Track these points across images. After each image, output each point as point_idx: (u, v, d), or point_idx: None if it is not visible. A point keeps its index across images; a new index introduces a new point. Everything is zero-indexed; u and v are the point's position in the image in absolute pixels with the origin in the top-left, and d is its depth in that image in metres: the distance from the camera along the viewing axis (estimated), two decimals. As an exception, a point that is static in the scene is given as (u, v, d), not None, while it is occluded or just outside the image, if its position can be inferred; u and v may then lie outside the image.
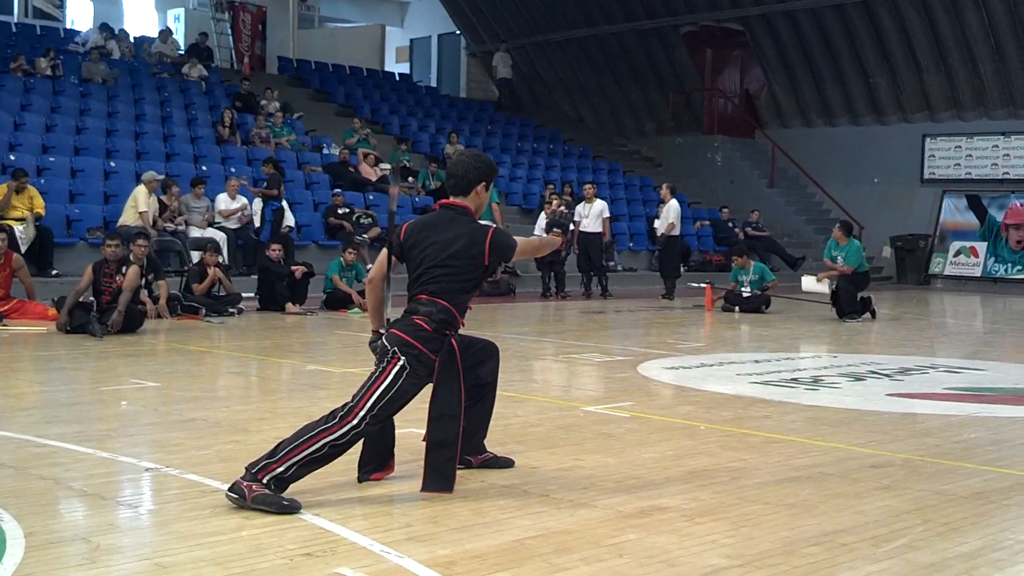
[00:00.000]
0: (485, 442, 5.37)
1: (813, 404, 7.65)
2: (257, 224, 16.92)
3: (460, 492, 4.88)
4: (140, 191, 15.38)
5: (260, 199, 17.13)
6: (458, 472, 4.93)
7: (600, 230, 18.24)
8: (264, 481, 4.49)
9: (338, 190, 19.23)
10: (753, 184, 27.40)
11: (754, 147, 28.81)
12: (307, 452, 4.57)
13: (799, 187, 28.00)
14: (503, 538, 4.20)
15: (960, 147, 25.32)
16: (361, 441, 4.79)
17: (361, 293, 14.05)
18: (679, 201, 19.06)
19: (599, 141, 30.01)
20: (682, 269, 20.05)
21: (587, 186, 19.07)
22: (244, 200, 16.82)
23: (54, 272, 14.48)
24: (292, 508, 4.44)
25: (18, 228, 14.15)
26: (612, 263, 21.16)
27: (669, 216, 18.32)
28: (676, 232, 18.43)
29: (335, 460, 4.71)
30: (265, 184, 17.40)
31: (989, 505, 4.91)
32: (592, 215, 18.20)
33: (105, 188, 17.08)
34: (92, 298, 11.51)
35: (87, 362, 9.49)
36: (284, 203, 17.22)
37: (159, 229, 15.52)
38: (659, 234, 18.76)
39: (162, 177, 16.23)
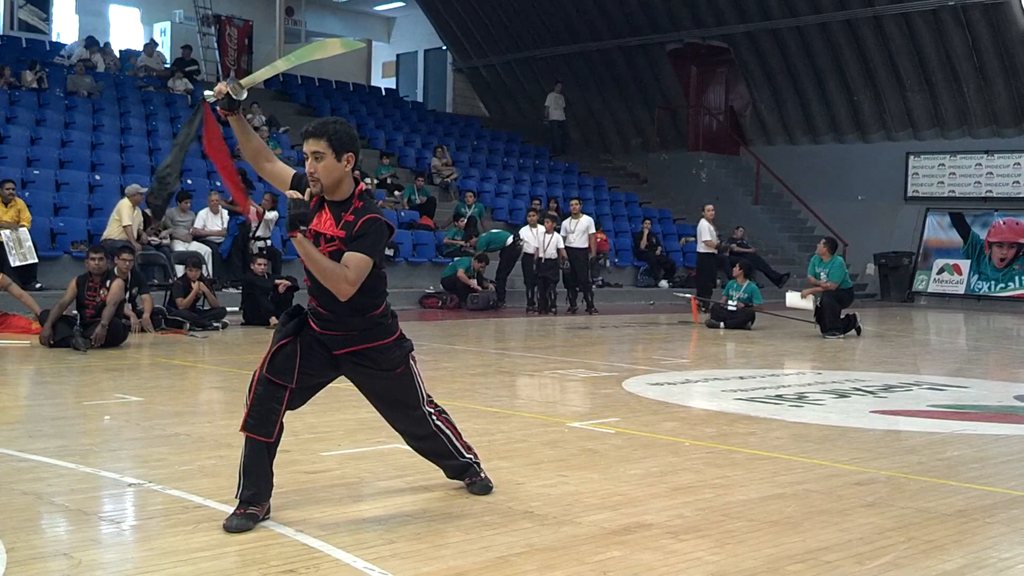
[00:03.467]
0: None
1: (797, 421, 7.66)
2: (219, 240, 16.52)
3: (444, 508, 4.87)
4: (124, 205, 15.32)
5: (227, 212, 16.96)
6: (444, 491, 4.92)
7: (586, 246, 18.29)
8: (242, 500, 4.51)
9: (324, 204, 19.17)
10: (738, 201, 27.50)
11: (739, 164, 28.92)
12: (244, 451, 4.57)
13: (783, 204, 28.10)
14: (488, 555, 4.19)
15: (943, 165, 25.45)
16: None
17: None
18: (665, 216, 19.45)
19: (585, 157, 30.08)
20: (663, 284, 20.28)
21: (573, 202, 19.12)
22: (225, 213, 16.79)
23: (38, 285, 14.40)
24: (227, 527, 4.41)
25: (5, 233, 14.06)
26: (599, 279, 21.19)
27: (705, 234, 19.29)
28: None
29: (265, 434, 4.55)
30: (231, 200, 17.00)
31: (972, 523, 4.92)
32: (578, 231, 18.25)
33: (90, 201, 17.04)
34: (76, 312, 11.47)
35: (70, 376, 9.44)
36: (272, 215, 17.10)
37: (144, 243, 15.47)
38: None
39: (145, 190, 16.16)
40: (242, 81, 4.75)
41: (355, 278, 4.49)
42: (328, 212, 4.60)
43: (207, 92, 4.77)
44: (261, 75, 5.00)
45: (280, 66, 5.03)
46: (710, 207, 19.94)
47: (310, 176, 4.54)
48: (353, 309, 4.63)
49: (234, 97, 4.66)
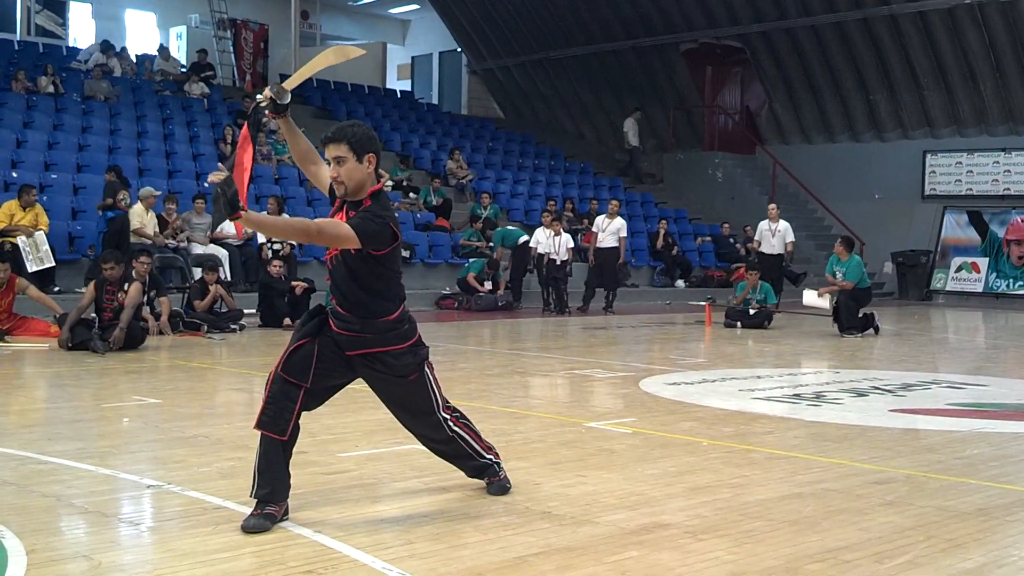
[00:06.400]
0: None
1: (816, 420, 7.64)
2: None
3: (462, 509, 4.88)
4: (136, 208, 15.38)
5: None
6: (462, 491, 4.91)
7: (616, 246, 18.25)
8: (257, 499, 4.53)
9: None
10: (754, 200, 27.37)
11: (755, 163, 28.86)
12: (259, 449, 4.61)
13: (800, 203, 28.01)
14: (505, 555, 4.19)
15: (961, 163, 25.34)
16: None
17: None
18: (681, 216, 19.24)
19: (600, 157, 30.06)
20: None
21: (613, 202, 19.11)
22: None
23: (56, 289, 14.47)
24: (245, 527, 4.43)
25: (22, 239, 14.14)
26: (627, 280, 21.14)
27: (788, 235, 18.87)
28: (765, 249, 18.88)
29: (279, 432, 4.57)
30: (104, 194, 15.82)
31: (992, 521, 4.89)
32: (609, 230, 18.24)
33: (107, 205, 17.09)
34: (94, 315, 11.52)
35: (89, 379, 9.48)
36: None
37: (160, 245, 15.52)
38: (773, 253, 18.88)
39: (159, 193, 16.18)
40: (284, 84, 4.82)
41: (317, 230, 4.53)
42: (345, 215, 4.65)
43: (258, 96, 4.83)
44: (297, 78, 5.02)
45: (315, 67, 5.06)
46: (771, 206, 19.74)
47: (334, 180, 4.61)
48: (368, 311, 4.65)
49: (278, 101, 4.73)
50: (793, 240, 19.19)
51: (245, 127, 4.96)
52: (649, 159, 30.40)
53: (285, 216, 4.53)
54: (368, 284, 4.62)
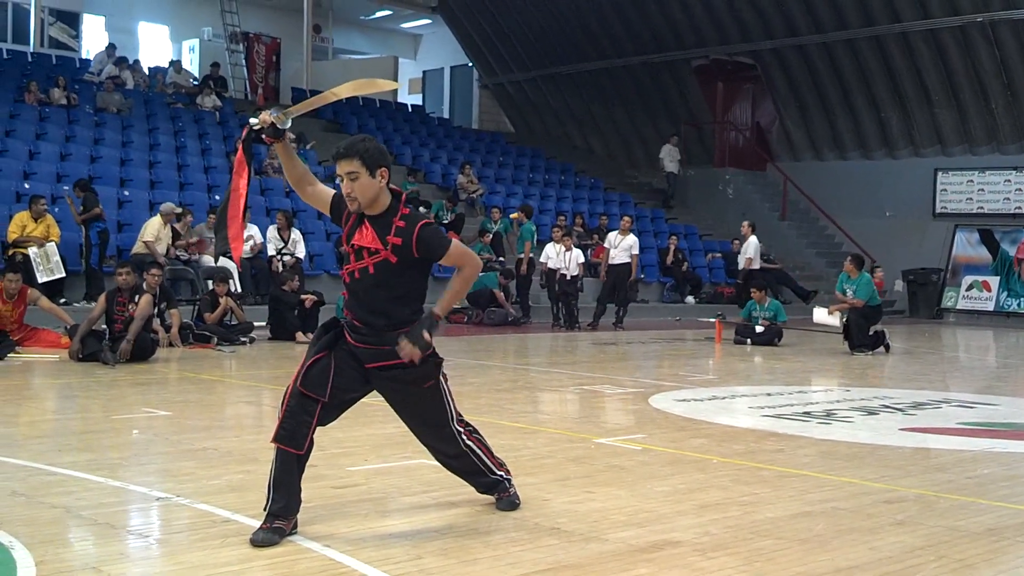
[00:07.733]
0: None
1: (826, 438, 7.61)
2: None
3: (471, 524, 4.87)
4: (153, 222, 15.43)
5: (83, 224, 15.48)
6: (471, 506, 4.90)
7: (628, 262, 18.23)
8: (270, 513, 4.52)
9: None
10: (764, 217, 27.34)
11: (765, 180, 28.84)
12: (274, 463, 4.60)
13: (811, 220, 27.99)
14: (514, 571, 4.18)
15: (972, 181, 25.29)
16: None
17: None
18: (691, 232, 19.29)
19: (610, 173, 30.08)
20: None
21: (626, 218, 19.08)
22: (255, 228, 16.87)
23: (63, 301, 14.48)
24: (253, 540, 4.42)
25: (33, 250, 14.20)
26: (636, 294, 21.15)
27: (748, 251, 19.34)
28: (755, 266, 19.40)
29: (296, 446, 4.58)
30: (82, 208, 15.54)
31: (1003, 542, 4.87)
32: (621, 247, 18.22)
33: (119, 217, 17.15)
34: (105, 326, 11.54)
35: (99, 390, 9.50)
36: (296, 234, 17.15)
37: (171, 257, 15.56)
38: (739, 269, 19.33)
39: (179, 210, 16.27)
40: (291, 109, 4.82)
41: (466, 255, 4.77)
42: (368, 227, 4.66)
43: (252, 120, 4.80)
44: (305, 106, 5.02)
45: (328, 98, 5.05)
46: (743, 224, 20.05)
47: (347, 196, 4.61)
48: (389, 322, 4.66)
49: (278, 126, 4.73)
50: (750, 257, 19.60)
51: (240, 151, 4.95)
52: (660, 175, 30.38)
53: (452, 284, 4.50)
54: (401, 291, 4.66)
